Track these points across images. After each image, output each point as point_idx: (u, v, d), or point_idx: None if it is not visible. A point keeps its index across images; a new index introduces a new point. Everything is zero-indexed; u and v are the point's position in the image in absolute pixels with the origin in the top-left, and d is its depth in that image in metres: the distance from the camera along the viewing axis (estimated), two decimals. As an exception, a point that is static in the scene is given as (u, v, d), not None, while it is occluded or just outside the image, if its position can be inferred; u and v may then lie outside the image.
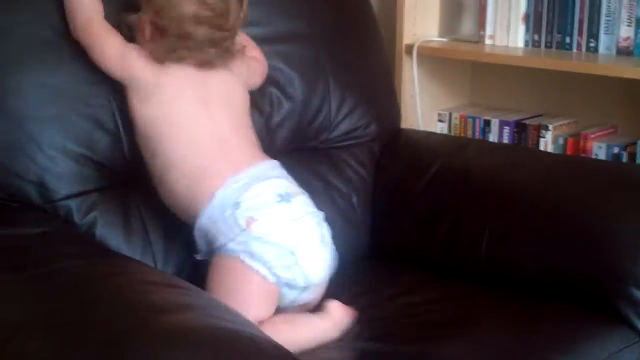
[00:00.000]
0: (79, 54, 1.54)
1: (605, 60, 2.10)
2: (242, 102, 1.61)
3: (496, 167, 1.82)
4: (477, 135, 2.31)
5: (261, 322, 1.43)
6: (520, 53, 2.20)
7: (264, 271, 1.45)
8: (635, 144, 2.12)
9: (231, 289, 1.46)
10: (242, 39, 1.64)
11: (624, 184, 1.70)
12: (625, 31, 2.09)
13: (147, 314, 1.15)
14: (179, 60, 1.52)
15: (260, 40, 1.68)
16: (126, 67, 1.52)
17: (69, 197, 1.54)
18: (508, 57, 2.18)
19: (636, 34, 2.08)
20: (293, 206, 1.50)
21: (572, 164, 1.89)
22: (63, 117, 1.53)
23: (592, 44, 2.13)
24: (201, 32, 1.50)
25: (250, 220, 1.45)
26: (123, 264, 1.41)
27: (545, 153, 2.12)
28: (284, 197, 1.49)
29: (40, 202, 1.53)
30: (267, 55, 1.72)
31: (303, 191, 1.56)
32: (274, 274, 1.45)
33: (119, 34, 1.54)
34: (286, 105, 1.78)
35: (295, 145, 1.81)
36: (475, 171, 1.81)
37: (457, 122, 2.35)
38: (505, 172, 1.80)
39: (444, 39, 2.35)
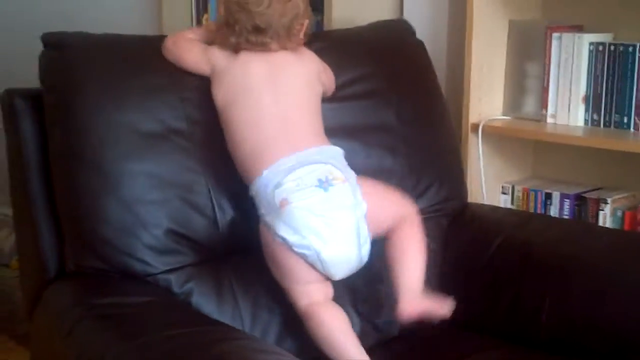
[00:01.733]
0: (186, 147, 1.68)
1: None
2: (311, 88, 1.71)
3: (556, 241, 1.89)
4: (539, 207, 2.36)
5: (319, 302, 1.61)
6: (580, 132, 2.24)
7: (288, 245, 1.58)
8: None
9: (273, 261, 1.63)
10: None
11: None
12: (681, 111, 2.15)
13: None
14: (237, 46, 1.67)
15: (346, 131, 1.82)
16: (208, 58, 1.69)
17: (168, 271, 1.66)
18: (569, 137, 2.23)
19: (691, 114, 2.14)
20: (330, 195, 1.58)
21: (629, 238, 1.97)
22: (167, 202, 1.65)
23: (648, 123, 2.19)
24: (244, 16, 1.66)
25: (284, 202, 1.57)
26: (225, 330, 1.51)
27: (603, 228, 2.17)
28: (323, 183, 1.58)
29: (142, 275, 1.65)
30: (352, 143, 1.82)
31: (350, 177, 1.64)
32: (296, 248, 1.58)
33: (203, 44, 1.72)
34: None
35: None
36: (536, 245, 1.88)
37: (520, 194, 2.40)
38: (564, 246, 1.86)
39: (507, 117, 2.40)
